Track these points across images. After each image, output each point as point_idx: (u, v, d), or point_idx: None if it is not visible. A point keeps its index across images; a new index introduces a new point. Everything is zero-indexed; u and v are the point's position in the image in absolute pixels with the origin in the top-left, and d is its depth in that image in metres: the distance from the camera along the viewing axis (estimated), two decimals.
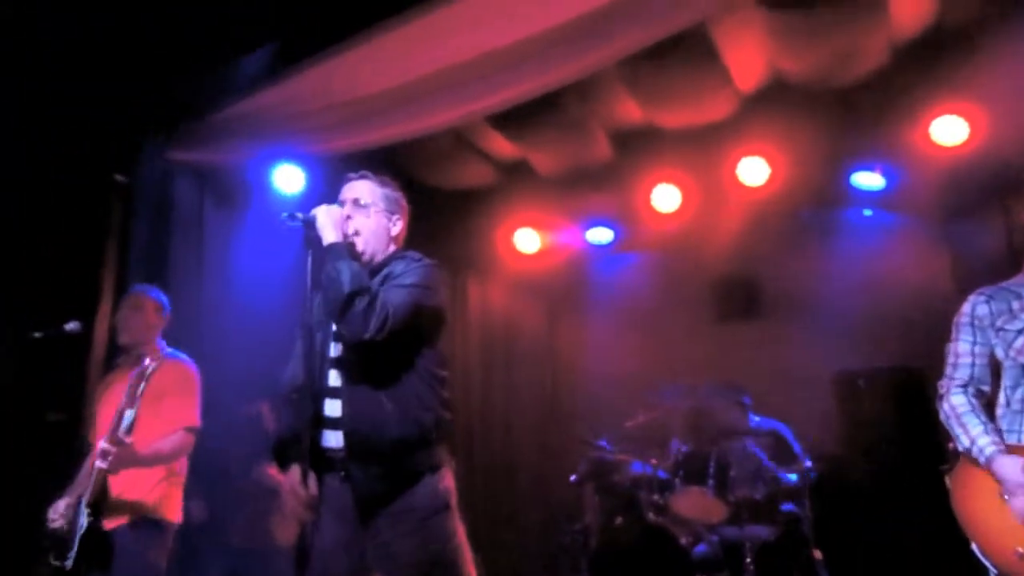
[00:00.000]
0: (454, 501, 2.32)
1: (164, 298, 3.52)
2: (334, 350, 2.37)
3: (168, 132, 4.65)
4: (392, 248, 2.51)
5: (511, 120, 5.01)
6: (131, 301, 3.39)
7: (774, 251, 5.50)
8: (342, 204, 2.47)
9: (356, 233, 2.43)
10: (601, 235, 6.06)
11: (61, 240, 4.25)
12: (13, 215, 4.19)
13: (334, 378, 2.35)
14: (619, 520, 4.38)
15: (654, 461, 4.50)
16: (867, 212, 5.44)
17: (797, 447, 4.68)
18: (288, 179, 5.05)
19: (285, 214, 2.34)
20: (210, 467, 4.23)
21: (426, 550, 2.22)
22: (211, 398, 3.80)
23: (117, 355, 3.45)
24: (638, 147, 5.48)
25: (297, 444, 2.30)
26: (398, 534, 2.22)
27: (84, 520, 2.98)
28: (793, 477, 4.48)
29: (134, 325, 3.34)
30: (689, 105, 5.08)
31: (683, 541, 4.14)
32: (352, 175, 2.55)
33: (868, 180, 5.22)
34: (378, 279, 2.38)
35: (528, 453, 5.63)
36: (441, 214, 5.67)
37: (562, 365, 6.18)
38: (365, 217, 2.45)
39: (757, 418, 4.76)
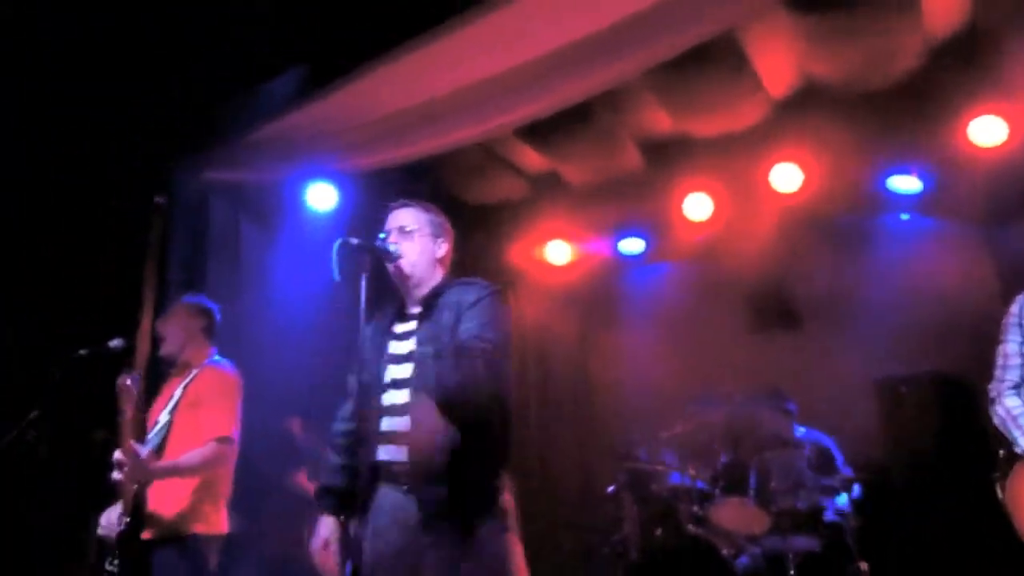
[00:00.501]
0: (513, 520, 2.33)
1: (206, 303, 3.48)
2: (397, 371, 2.40)
3: (203, 153, 4.74)
4: (439, 271, 2.56)
5: (541, 132, 5.04)
6: (174, 312, 3.39)
7: (810, 258, 5.40)
8: (387, 233, 2.51)
9: (400, 258, 2.46)
10: (633, 245, 6.02)
11: (102, 260, 4.35)
12: (56, 237, 4.30)
13: (392, 397, 2.38)
14: (659, 531, 4.33)
15: (693, 471, 4.43)
16: (904, 217, 5.33)
17: (839, 456, 4.59)
18: (321, 197, 5.12)
19: (341, 241, 2.32)
20: (244, 479, 4.28)
21: (487, 566, 2.22)
22: (247, 412, 3.84)
23: (168, 366, 3.44)
24: (669, 156, 5.47)
25: (338, 495, 2.40)
26: (461, 548, 2.22)
27: (121, 528, 2.98)
28: (836, 487, 4.38)
29: (169, 334, 3.33)
30: (720, 112, 5.05)
31: (724, 552, 4.06)
32: (394, 204, 2.59)
33: (905, 184, 5.13)
34: (445, 306, 2.42)
35: (564, 465, 5.59)
36: (472, 228, 5.68)
37: (596, 376, 6.13)
38: (410, 243, 2.49)
39: (802, 428, 4.68)
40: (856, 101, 4.89)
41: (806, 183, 5.17)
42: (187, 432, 3.09)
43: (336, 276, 2.28)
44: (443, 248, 2.58)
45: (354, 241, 2.36)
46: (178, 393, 3.17)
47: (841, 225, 5.37)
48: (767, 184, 5.25)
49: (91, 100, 4.31)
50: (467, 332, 2.34)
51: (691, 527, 4.27)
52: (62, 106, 4.29)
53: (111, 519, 3.06)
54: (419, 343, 2.40)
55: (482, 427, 2.30)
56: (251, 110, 4.55)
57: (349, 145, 4.36)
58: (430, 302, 2.46)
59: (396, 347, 2.47)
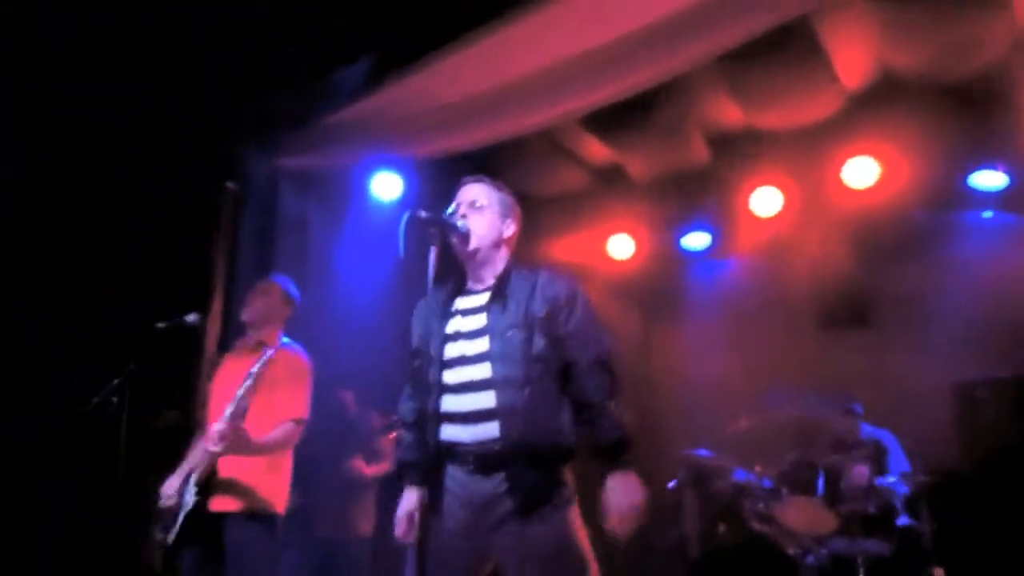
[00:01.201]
0: (574, 496, 2.31)
1: (295, 291, 3.54)
2: (468, 347, 2.39)
3: (275, 139, 4.84)
4: (504, 251, 2.53)
5: (606, 123, 4.99)
6: (261, 286, 3.44)
7: (884, 256, 5.24)
8: (458, 206, 2.50)
9: (468, 231, 2.44)
10: (697, 240, 5.92)
11: (177, 244, 4.49)
12: (135, 222, 4.46)
13: (462, 374, 2.36)
14: (722, 528, 4.24)
15: (759, 468, 4.33)
16: (987, 214, 5.12)
17: (902, 455, 4.43)
18: (386, 186, 5.18)
19: (409, 214, 2.31)
20: (300, 457, 4.35)
21: (557, 540, 2.21)
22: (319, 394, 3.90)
23: (234, 339, 3.52)
24: (736, 149, 5.36)
25: (418, 468, 2.39)
26: (529, 523, 2.20)
27: (190, 498, 3.07)
28: (908, 491, 4.23)
29: (257, 307, 3.38)
30: (791, 104, 4.93)
31: (791, 551, 3.95)
32: (468, 178, 2.58)
33: (988, 180, 4.93)
34: (520, 286, 2.42)
35: None
36: (535, 221, 5.63)
37: (658, 372, 6.05)
38: (479, 217, 2.48)
39: (869, 428, 4.53)
40: (937, 93, 4.71)
41: (882, 178, 5.01)
42: (263, 411, 3.16)
43: (402, 251, 2.28)
44: (511, 228, 2.55)
45: (423, 214, 2.35)
46: (255, 371, 3.21)
47: (918, 222, 5.18)
48: (839, 179, 5.10)
49: (169, 87, 4.44)
50: (585, 341, 2.34)
51: (756, 525, 4.16)
52: (142, 94, 4.43)
53: (172, 488, 3.15)
54: (497, 318, 2.37)
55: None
56: (322, 97, 4.63)
57: (417, 132, 4.39)
58: (504, 280, 2.45)
59: (461, 324, 2.44)
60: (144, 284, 4.19)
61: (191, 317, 3.34)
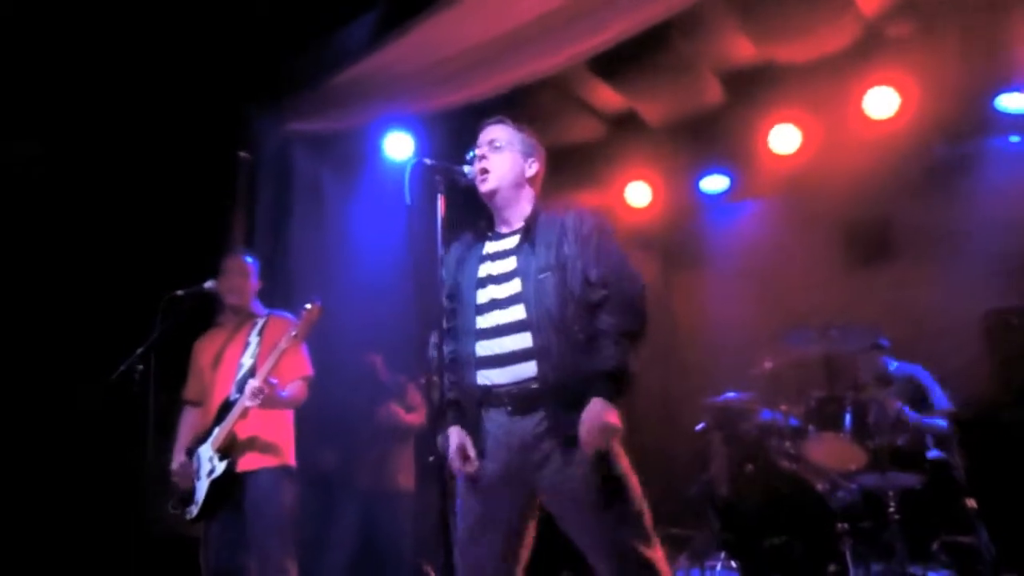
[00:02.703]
0: None
1: (257, 263, 3.66)
2: (499, 291, 2.40)
3: (285, 104, 4.82)
4: (529, 191, 2.51)
5: (616, 67, 4.90)
6: (238, 267, 3.53)
7: (908, 188, 5.10)
8: (478, 147, 2.49)
9: (485, 171, 2.44)
10: (716, 184, 5.83)
11: (195, 213, 4.52)
12: (152, 195, 4.49)
13: (496, 317, 2.37)
14: (749, 467, 4.23)
15: (785, 407, 4.30)
16: (1015, 139, 4.95)
17: (940, 391, 4.37)
18: (398, 146, 5.15)
19: (414, 161, 2.32)
20: (335, 417, 4.43)
21: (600, 473, 2.22)
22: (333, 352, 3.95)
23: (218, 316, 3.62)
24: (752, 87, 5.23)
25: (458, 407, 2.40)
26: (573, 459, 2.22)
27: (216, 465, 3.16)
28: (939, 422, 4.19)
29: (243, 288, 3.49)
30: (807, 36, 4.79)
31: (820, 488, 3.94)
32: (489, 119, 2.56)
33: (1015, 102, 4.75)
34: (548, 225, 2.39)
35: (650, 406, 5.52)
36: (550, 172, 5.59)
37: (680, 318, 6.00)
38: (499, 157, 2.47)
39: (895, 363, 4.47)
40: (958, 14, 4.54)
41: (903, 108, 4.87)
42: (271, 374, 3.22)
43: (408, 199, 2.28)
44: (533, 168, 2.53)
45: (428, 161, 2.35)
46: (254, 340, 3.36)
47: (942, 151, 5.03)
48: (860, 111, 4.97)
49: (173, 54, 4.43)
50: (612, 279, 2.31)
51: (784, 464, 4.15)
52: (152, 67, 4.42)
53: (180, 465, 3.27)
54: (527, 260, 2.37)
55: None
56: (328, 57, 4.59)
57: (425, 86, 4.35)
58: (532, 221, 2.43)
59: (492, 268, 2.44)
60: (163, 253, 4.23)
61: (209, 283, 3.38)
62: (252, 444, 3.21)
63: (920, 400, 4.28)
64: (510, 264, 2.40)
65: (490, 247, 2.48)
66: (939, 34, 4.52)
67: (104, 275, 4.23)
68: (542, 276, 2.33)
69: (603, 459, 2.22)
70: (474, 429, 2.35)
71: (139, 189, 4.49)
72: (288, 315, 3.48)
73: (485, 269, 2.44)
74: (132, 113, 4.49)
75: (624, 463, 2.28)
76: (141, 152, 4.52)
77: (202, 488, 3.19)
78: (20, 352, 4.04)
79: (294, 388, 3.29)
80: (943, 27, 4.52)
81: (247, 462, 3.20)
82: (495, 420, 2.32)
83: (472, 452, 2.33)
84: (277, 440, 3.28)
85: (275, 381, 3.13)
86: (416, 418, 4.58)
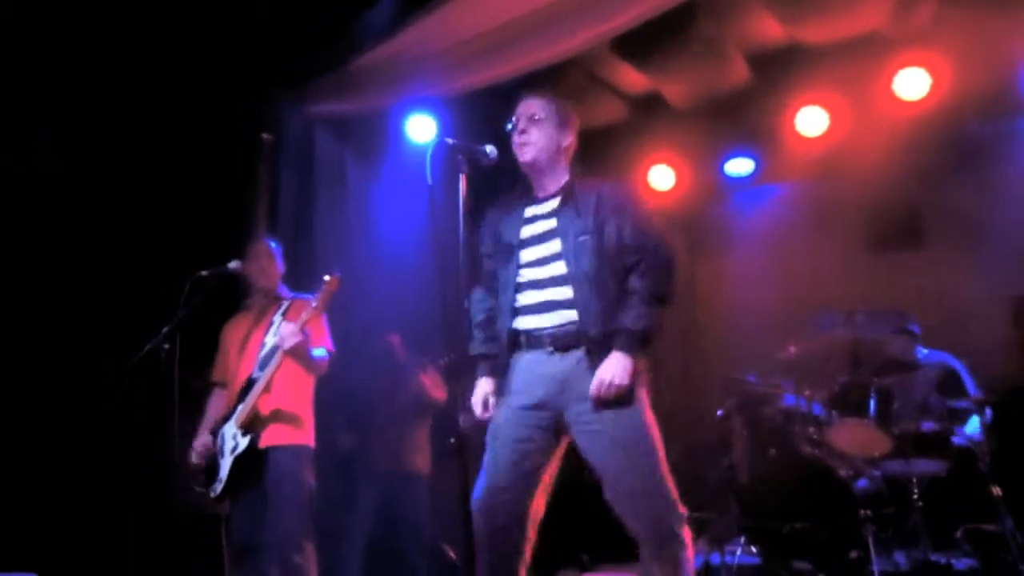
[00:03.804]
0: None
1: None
2: (541, 250, 2.58)
3: (308, 86, 4.83)
4: (564, 160, 2.69)
5: (640, 47, 4.83)
6: (265, 251, 3.59)
7: (937, 172, 5.01)
8: (517, 120, 2.64)
9: (525, 144, 2.61)
10: (741, 166, 5.75)
11: (218, 194, 4.55)
12: (176, 177, 4.53)
13: (540, 272, 2.56)
14: (772, 453, 4.20)
15: (808, 393, 4.26)
16: None
17: (968, 378, 4.30)
18: (421, 128, 5.13)
19: (436, 140, 2.41)
20: (354, 399, 4.47)
21: (631, 420, 2.40)
22: (354, 334, 3.98)
23: (245, 299, 3.67)
24: (779, 67, 5.13)
25: (490, 359, 2.64)
26: (606, 407, 2.39)
27: (239, 442, 3.21)
28: (966, 410, 4.13)
29: (272, 271, 3.57)
30: (836, 15, 4.68)
31: (843, 474, 3.91)
32: (526, 93, 2.72)
33: None
34: (583, 192, 2.59)
35: (671, 390, 5.50)
36: (577, 154, 5.57)
37: (704, 302, 5.96)
38: (538, 130, 2.63)
39: (924, 350, 4.41)
40: None
41: (934, 88, 4.76)
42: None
43: (429, 179, 2.36)
44: (568, 138, 2.70)
45: (450, 141, 2.42)
46: (278, 320, 3.42)
47: (973, 132, 4.93)
48: (890, 92, 4.87)
49: (197, 37, 4.45)
50: (645, 246, 2.50)
51: (806, 449, 4.12)
52: (170, 46, 4.45)
53: (203, 446, 3.33)
54: (566, 222, 2.55)
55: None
56: (351, 40, 4.59)
57: (451, 65, 4.32)
58: (569, 188, 2.62)
59: (535, 228, 2.62)
60: (187, 234, 4.27)
61: (233, 264, 3.42)
62: (274, 419, 3.26)
63: (952, 387, 4.23)
64: (551, 224, 2.59)
65: (531, 210, 2.67)
66: (971, 13, 4.40)
67: (129, 256, 4.29)
68: (582, 238, 2.51)
69: (636, 412, 2.40)
70: (504, 373, 2.56)
71: (164, 171, 4.54)
72: (310, 296, 3.48)
73: (529, 229, 2.63)
74: (157, 96, 4.53)
75: (652, 419, 2.45)
76: (166, 134, 4.55)
77: (226, 465, 3.24)
78: (47, 332, 4.11)
79: (319, 355, 3.34)
80: (975, 5, 4.40)
81: (269, 437, 3.24)
82: (534, 359, 2.51)
83: (491, 402, 2.59)
84: (298, 417, 3.32)
85: (308, 332, 3.18)
86: (441, 394, 4.60)
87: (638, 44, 4.72)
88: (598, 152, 5.74)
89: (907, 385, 4.19)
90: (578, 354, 2.46)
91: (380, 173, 5.26)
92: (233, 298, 3.70)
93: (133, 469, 3.83)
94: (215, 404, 3.53)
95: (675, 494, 2.40)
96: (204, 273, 3.34)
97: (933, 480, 3.95)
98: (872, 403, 4.13)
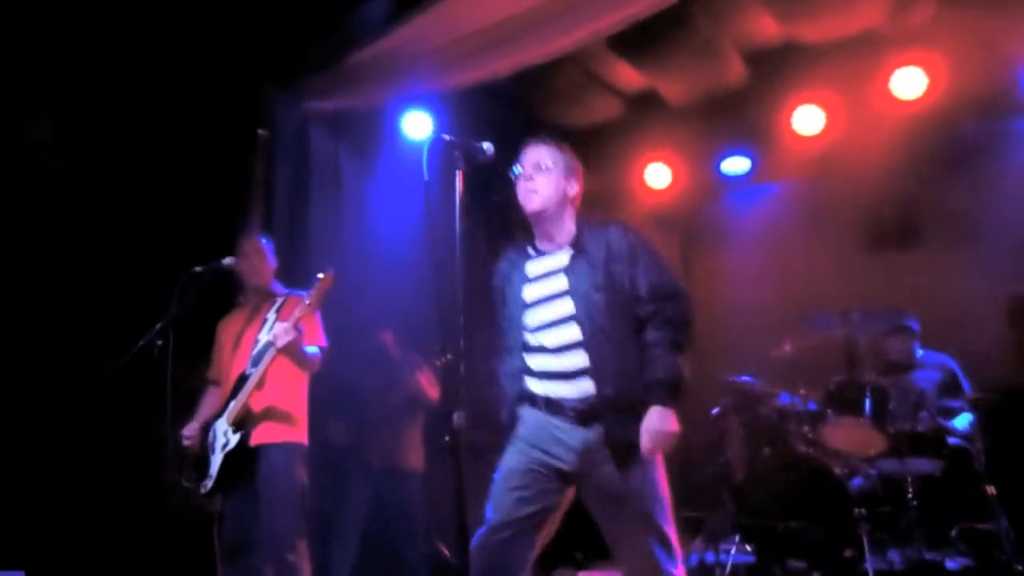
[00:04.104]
0: None
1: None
2: (551, 311, 2.51)
3: (303, 82, 4.80)
4: (570, 210, 2.62)
5: (637, 45, 4.82)
6: (256, 248, 3.56)
7: (934, 170, 5.01)
8: (523, 167, 2.59)
9: (535, 192, 2.55)
10: (737, 165, 5.75)
11: (213, 189, 4.52)
12: (170, 172, 4.50)
13: (540, 339, 2.50)
14: (767, 451, 4.20)
15: (804, 392, 4.26)
16: None
17: (964, 378, 4.31)
18: (417, 125, 5.12)
19: (433, 137, 2.36)
20: (348, 396, 4.45)
21: (646, 479, 2.37)
22: (348, 331, 3.96)
23: (238, 296, 3.65)
24: (776, 66, 5.12)
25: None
26: (626, 463, 2.36)
27: (230, 439, 3.19)
28: (960, 409, 4.14)
29: (263, 268, 3.55)
30: (833, 13, 4.68)
31: (837, 472, 3.91)
32: (533, 140, 2.66)
33: None
34: (591, 243, 2.53)
35: None
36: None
37: (700, 301, 5.89)
38: (545, 179, 2.57)
39: (922, 350, 4.41)
40: None
41: (930, 88, 4.77)
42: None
43: (426, 175, 2.30)
44: (574, 187, 2.63)
45: (447, 137, 2.36)
46: (271, 318, 3.40)
47: (969, 132, 4.94)
48: (886, 91, 4.88)
49: (192, 32, 4.42)
50: (658, 295, 2.45)
51: (801, 448, 4.12)
52: (165, 40, 4.42)
53: (193, 432, 3.33)
54: (579, 280, 2.49)
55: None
56: (347, 35, 4.57)
57: (447, 61, 4.30)
58: (578, 240, 2.56)
59: (543, 288, 2.55)
60: (181, 230, 4.25)
61: (227, 260, 3.40)
62: (266, 417, 3.24)
63: (951, 388, 4.23)
64: (561, 283, 2.52)
65: (536, 266, 2.61)
66: (967, 13, 4.40)
67: (123, 251, 4.26)
68: (595, 297, 2.46)
69: (652, 472, 2.38)
70: (510, 419, 2.51)
71: (158, 166, 4.51)
72: (303, 293, 3.46)
73: (535, 289, 2.56)
74: (151, 90, 4.50)
75: (663, 475, 2.43)
76: (160, 130, 4.53)
77: (216, 461, 3.22)
78: (40, 328, 4.08)
79: (311, 354, 3.31)
80: (972, 5, 4.40)
81: (260, 435, 3.22)
82: (551, 422, 2.45)
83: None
84: (291, 414, 3.31)
85: (302, 329, 3.15)
86: (435, 392, 4.59)
87: (635, 41, 4.71)
88: (593, 150, 5.74)
89: (904, 384, 4.19)
90: (598, 427, 2.40)
91: (375, 170, 5.23)
92: (227, 294, 3.67)
93: (125, 466, 3.81)
94: (209, 401, 3.51)
95: (676, 540, 2.40)
96: (198, 269, 3.31)
97: (928, 479, 3.95)
98: (867, 402, 4.13)
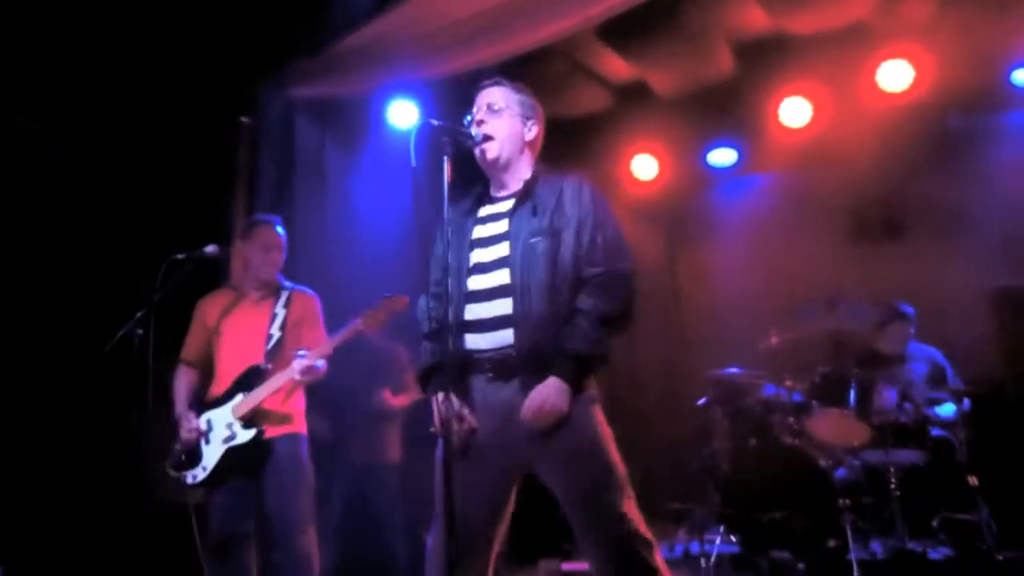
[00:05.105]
0: (597, 395, 2.27)
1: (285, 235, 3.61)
2: (486, 254, 2.34)
3: (288, 69, 4.74)
4: (528, 155, 2.44)
5: (625, 35, 4.80)
6: (276, 242, 3.46)
7: (920, 164, 5.02)
8: (476, 111, 2.42)
9: (488, 138, 2.36)
10: (724, 157, 5.76)
11: (196, 177, 4.46)
12: (153, 160, 4.44)
13: (481, 281, 2.31)
14: (752, 442, 4.22)
15: (789, 383, 4.28)
16: None
17: (950, 371, 4.34)
18: (402, 114, 5.07)
19: (421, 122, 2.25)
20: (332, 391, 4.40)
21: (578, 443, 2.17)
22: (331, 324, 3.92)
23: (227, 280, 3.60)
24: (763, 57, 5.13)
25: (441, 372, 2.28)
26: (556, 424, 2.16)
27: (237, 432, 3.17)
28: (944, 400, 4.17)
29: (279, 263, 3.47)
30: (821, 5, 4.69)
31: (822, 463, 3.93)
32: (486, 82, 2.46)
33: None
34: (543, 191, 2.32)
35: (652, 380, 5.51)
36: (557, 143, 5.47)
37: (685, 293, 5.98)
38: (498, 121, 2.38)
39: (920, 345, 4.44)
40: None
41: (917, 81, 4.79)
42: (294, 347, 3.28)
43: (413, 161, 2.20)
44: (533, 131, 2.44)
45: (435, 122, 2.27)
46: (280, 312, 3.36)
47: (956, 126, 4.96)
48: (873, 84, 4.89)
49: (176, 19, 4.35)
50: (603, 256, 2.24)
51: (787, 439, 4.14)
52: (148, 27, 4.35)
53: (195, 425, 3.24)
54: (519, 224, 2.30)
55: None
56: (333, 22, 4.52)
57: (430, 52, 4.26)
58: (530, 186, 2.35)
59: (484, 230, 2.38)
60: (164, 218, 4.19)
61: (210, 248, 3.32)
62: (273, 412, 3.24)
63: (933, 379, 4.26)
64: (501, 227, 2.34)
65: (484, 211, 2.43)
66: (956, 7, 4.41)
67: (104, 239, 4.20)
68: (533, 240, 2.26)
69: (583, 434, 2.17)
70: (460, 394, 2.26)
71: (140, 153, 4.44)
72: (309, 291, 3.50)
73: (477, 232, 2.39)
74: (134, 77, 4.43)
75: (608, 437, 2.21)
76: (142, 116, 4.46)
77: (213, 453, 3.17)
78: (20, 318, 4.02)
79: (320, 367, 3.28)
80: None
81: (275, 430, 3.23)
82: (477, 387, 2.26)
83: (467, 413, 2.24)
84: (296, 409, 3.33)
85: (306, 354, 3.15)
86: (403, 400, 4.57)
87: (623, 31, 4.69)
88: (580, 141, 5.73)
89: (891, 377, 4.21)
90: (516, 383, 2.20)
91: (361, 158, 5.18)
92: (209, 282, 3.62)
93: (106, 456, 3.76)
94: (184, 383, 3.42)
95: (640, 520, 2.15)
96: (180, 257, 3.24)
97: (911, 470, 3.98)
98: (852, 393, 4.15)
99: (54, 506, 3.94)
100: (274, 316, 3.35)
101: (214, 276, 3.61)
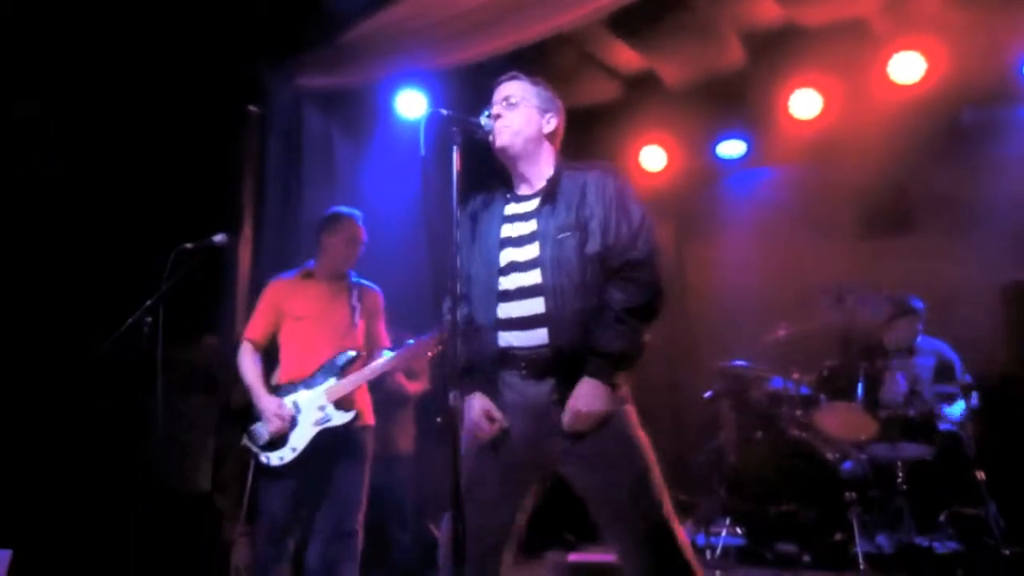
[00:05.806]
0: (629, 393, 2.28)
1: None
2: (519, 254, 2.32)
3: (296, 59, 4.73)
4: (548, 148, 2.41)
5: (636, 26, 4.78)
6: (355, 232, 3.50)
7: (930, 156, 4.98)
8: (492, 106, 2.40)
9: (491, 129, 2.35)
10: (733, 148, 5.73)
11: (204, 167, 4.47)
12: (161, 150, 4.44)
13: (513, 280, 2.30)
14: (759, 434, 4.21)
15: (796, 376, 4.27)
16: None
17: (958, 365, 4.32)
18: (410, 104, 5.06)
19: (430, 111, 2.23)
20: None
21: (612, 444, 2.16)
22: None
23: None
24: (774, 49, 5.11)
25: (474, 374, 2.31)
26: (584, 436, 2.16)
27: (331, 415, 3.23)
28: (953, 394, 4.15)
29: (356, 255, 3.52)
30: None
31: (829, 456, 3.92)
32: (503, 76, 2.44)
33: None
34: (568, 186, 2.31)
35: (659, 372, 5.49)
36: (565, 133, 5.50)
37: (693, 284, 5.95)
38: (515, 113, 2.36)
39: (929, 339, 4.42)
40: None
41: (928, 73, 4.75)
42: (365, 338, 3.45)
43: (423, 150, 2.20)
44: (552, 123, 2.41)
45: (444, 112, 2.26)
46: (357, 305, 3.44)
47: (967, 119, 4.92)
48: (884, 76, 4.86)
49: (184, 7, 4.34)
50: (629, 248, 2.22)
51: (794, 432, 4.13)
52: (157, 16, 4.34)
53: (285, 410, 3.26)
54: (546, 222, 2.28)
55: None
56: (341, 11, 4.50)
57: (438, 42, 4.25)
58: (554, 183, 2.33)
59: (512, 229, 2.36)
60: (173, 207, 4.19)
61: (218, 237, 3.32)
62: (360, 401, 3.34)
63: (942, 373, 4.24)
64: (530, 226, 2.32)
65: (511, 208, 2.40)
66: None
67: (113, 228, 4.20)
68: (561, 236, 2.25)
69: (627, 422, 2.18)
70: (491, 392, 2.27)
71: (149, 143, 4.44)
72: (376, 287, 3.59)
73: (506, 231, 2.36)
74: (142, 66, 4.42)
75: (641, 436, 2.21)
76: (151, 106, 4.46)
77: (304, 434, 3.20)
78: (29, 306, 4.03)
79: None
80: None
81: (362, 418, 3.33)
82: (511, 383, 2.26)
83: (497, 413, 2.25)
84: (368, 399, 3.43)
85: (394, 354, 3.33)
86: (418, 386, 4.57)
87: (634, 21, 4.68)
88: (588, 132, 5.70)
89: (899, 370, 4.20)
90: (551, 382, 2.20)
91: (368, 148, 5.18)
92: (218, 272, 3.62)
93: (115, 445, 3.77)
94: (252, 362, 3.39)
95: (677, 522, 2.13)
96: (189, 246, 3.25)
97: (918, 464, 3.97)
98: (860, 387, 4.14)
99: (63, 492, 3.97)
100: (353, 308, 3.42)
101: (223, 265, 3.61)
